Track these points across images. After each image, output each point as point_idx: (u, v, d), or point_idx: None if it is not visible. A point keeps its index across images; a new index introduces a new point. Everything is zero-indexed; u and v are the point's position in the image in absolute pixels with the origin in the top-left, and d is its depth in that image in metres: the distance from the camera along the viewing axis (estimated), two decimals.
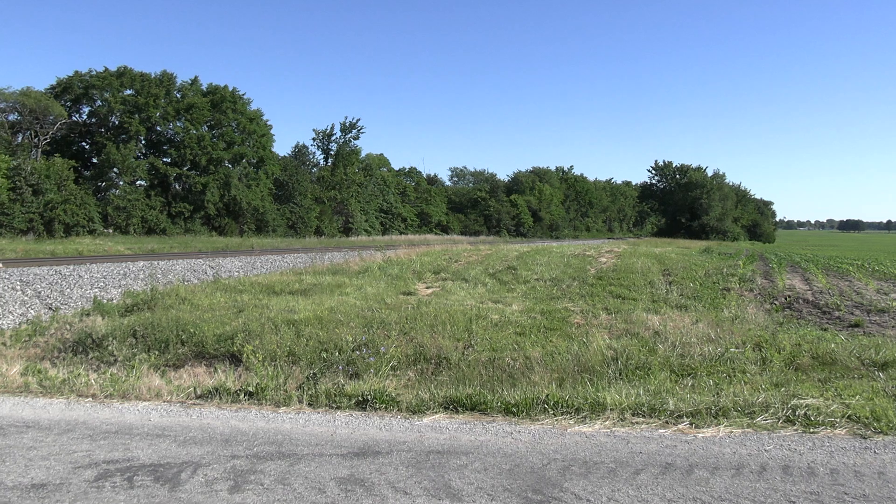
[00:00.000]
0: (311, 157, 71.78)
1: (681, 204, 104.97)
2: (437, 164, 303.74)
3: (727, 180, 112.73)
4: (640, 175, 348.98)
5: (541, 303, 13.20)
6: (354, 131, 71.64)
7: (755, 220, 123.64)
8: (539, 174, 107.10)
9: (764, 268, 23.41)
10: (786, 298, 14.59)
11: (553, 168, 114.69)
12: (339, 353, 9.08)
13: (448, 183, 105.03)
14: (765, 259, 30.19)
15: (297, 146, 70.76)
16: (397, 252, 24.54)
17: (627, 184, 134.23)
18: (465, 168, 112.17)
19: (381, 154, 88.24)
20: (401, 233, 72.96)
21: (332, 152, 71.41)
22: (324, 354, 9.07)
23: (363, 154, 75.95)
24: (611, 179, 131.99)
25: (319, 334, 9.81)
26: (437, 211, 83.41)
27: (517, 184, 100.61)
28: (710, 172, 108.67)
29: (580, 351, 9.16)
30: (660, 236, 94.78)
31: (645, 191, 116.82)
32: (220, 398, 7.42)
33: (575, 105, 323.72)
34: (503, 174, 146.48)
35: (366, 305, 12.11)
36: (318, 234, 61.11)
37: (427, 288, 15.60)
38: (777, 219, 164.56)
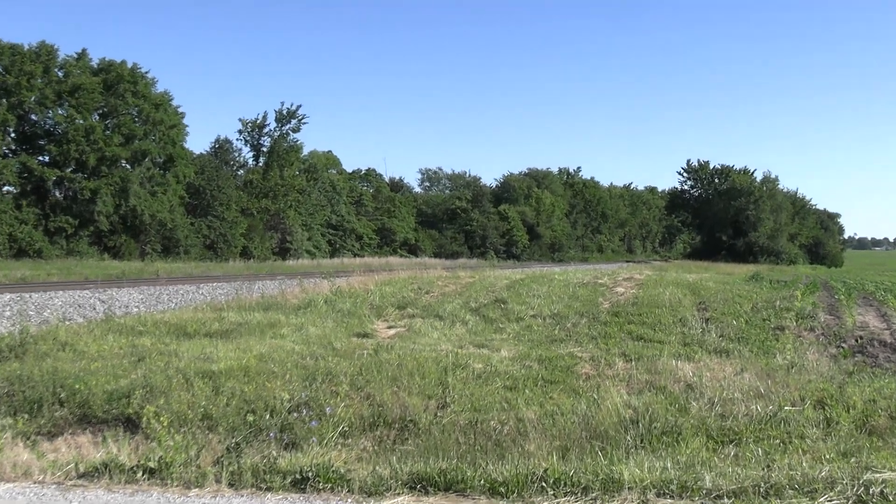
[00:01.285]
0: (236, 155, 71.59)
1: (721, 217, 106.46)
2: (404, 164, 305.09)
3: (780, 186, 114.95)
4: (668, 180, 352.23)
5: (538, 347, 13.24)
6: (294, 122, 71.65)
7: (817, 237, 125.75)
8: (537, 178, 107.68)
9: (828, 300, 23.73)
10: (857, 340, 14.78)
11: (555, 170, 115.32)
12: (271, 416, 9.01)
13: (417, 189, 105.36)
14: (830, 288, 30.62)
15: (217, 141, 70.44)
16: (350, 280, 24.51)
17: (652, 191, 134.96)
18: (440, 170, 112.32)
19: (330, 152, 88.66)
20: (355, 255, 72.86)
21: (265, 149, 71.29)
22: (250, 417, 8.98)
23: (305, 151, 76.08)
24: (630, 185, 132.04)
25: (245, 390, 9.72)
26: (402, 226, 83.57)
27: (508, 190, 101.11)
28: (758, 176, 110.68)
29: (589, 411, 9.18)
30: (694, 258, 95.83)
31: (675, 199, 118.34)
32: (111, 477, 7.31)
33: (580, 90, 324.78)
34: (489, 178, 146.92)
35: (308, 351, 12.07)
36: (245, 256, 60.80)
37: (389, 328, 15.59)
38: (845, 236, 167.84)
